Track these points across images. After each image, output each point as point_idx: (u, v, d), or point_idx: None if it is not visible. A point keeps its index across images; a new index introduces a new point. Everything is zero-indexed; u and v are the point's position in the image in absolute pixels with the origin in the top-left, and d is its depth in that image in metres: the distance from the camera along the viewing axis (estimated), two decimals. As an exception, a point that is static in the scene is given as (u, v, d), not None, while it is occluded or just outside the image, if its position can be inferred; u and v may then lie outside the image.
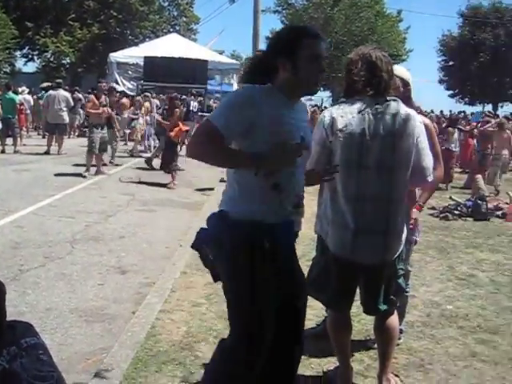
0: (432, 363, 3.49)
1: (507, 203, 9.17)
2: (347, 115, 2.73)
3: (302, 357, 3.47)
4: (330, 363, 3.34)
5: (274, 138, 2.24)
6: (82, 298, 4.53)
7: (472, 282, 5.22)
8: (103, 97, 11.25)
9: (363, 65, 2.75)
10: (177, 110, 11.02)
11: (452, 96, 41.66)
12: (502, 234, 7.50)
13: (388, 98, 2.74)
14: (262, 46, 20.92)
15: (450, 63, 40.68)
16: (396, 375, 3.20)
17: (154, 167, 12.11)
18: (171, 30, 36.56)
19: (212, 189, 9.79)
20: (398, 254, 2.87)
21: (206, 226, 2.45)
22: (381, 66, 2.75)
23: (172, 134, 10.64)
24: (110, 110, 11.49)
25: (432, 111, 25.81)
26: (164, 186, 10.32)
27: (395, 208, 2.78)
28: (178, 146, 10.84)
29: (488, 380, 3.31)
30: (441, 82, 41.77)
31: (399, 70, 3.35)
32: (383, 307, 2.92)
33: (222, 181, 10.21)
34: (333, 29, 29.24)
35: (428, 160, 2.80)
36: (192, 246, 2.53)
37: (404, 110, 2.74)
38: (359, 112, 2.72)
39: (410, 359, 3.53)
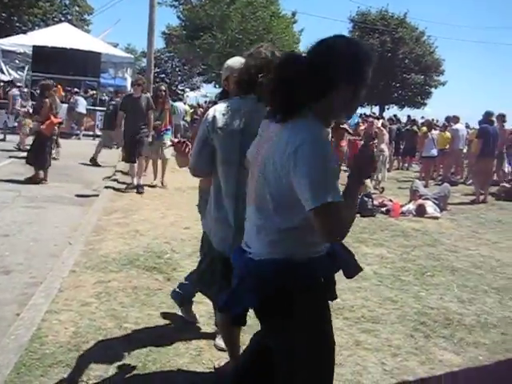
0: (319, 353, 3.63)
1: (391, 200, 9.74)
2: (228, 113, 2.73)
3: (193, 353, 3.51)
4: (222, 358, 3.38)
5: None
6: (-40, 300, 4.25)
7: (358, 275, 5.46)
8: None
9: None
10: (47, 100, 9.96)
11: (343, 97, 43.37)
12: (386, 229, 7.94)
13: None
14: (158, 40, 20.64)
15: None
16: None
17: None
18: (63, 19, 34.99)
19: (97, 195, 9.17)
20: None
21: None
22: (248, 67, 2.74)
23: (43, 127, 9.79)
24: None
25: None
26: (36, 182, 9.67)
27: None
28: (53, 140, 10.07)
29: (370, 366, 3.51)
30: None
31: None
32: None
33: (107, 187, 9.74)
34: (229, 27, 29.36)
35: None
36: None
37: None
38: (238, 110, 2.73)
39: (298, 350, 3.64)
